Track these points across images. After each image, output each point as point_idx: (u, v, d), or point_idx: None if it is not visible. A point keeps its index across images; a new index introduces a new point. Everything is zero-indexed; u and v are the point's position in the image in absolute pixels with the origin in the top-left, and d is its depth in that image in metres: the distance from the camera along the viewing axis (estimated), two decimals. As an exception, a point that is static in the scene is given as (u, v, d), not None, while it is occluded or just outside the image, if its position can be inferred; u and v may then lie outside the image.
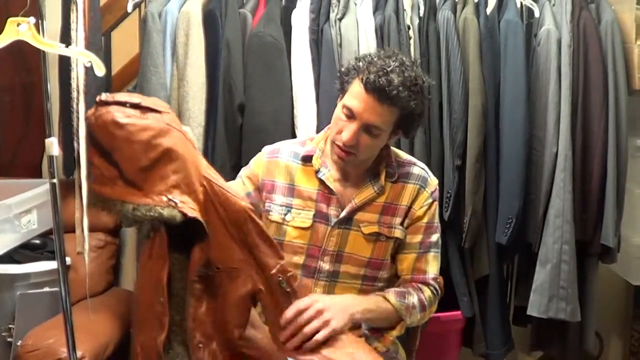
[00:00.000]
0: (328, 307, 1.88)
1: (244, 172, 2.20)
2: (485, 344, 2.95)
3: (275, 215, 2.11)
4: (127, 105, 1.64)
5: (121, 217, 1.66)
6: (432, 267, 2.19)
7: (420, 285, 2.15)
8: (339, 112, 2.00)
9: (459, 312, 2.85)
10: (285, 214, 2.10)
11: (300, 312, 1.82)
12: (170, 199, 1.63)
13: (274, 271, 1.79)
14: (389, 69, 1.91)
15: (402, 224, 2.13)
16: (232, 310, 1.79)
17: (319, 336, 1.82)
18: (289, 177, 2.12)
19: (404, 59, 1.97)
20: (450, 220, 2.76)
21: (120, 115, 1.62)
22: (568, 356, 3.03)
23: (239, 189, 2.11)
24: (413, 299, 2.09)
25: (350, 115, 1.96)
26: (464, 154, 2.76)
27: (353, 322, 1.95)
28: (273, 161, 2.15)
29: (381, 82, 1.89)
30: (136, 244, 3.20)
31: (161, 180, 1.64)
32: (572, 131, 2.77)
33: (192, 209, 1.66)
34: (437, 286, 2.19)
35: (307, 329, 1.82)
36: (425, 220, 2.15)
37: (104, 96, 1.65)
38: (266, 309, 1.84)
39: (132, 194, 1.63)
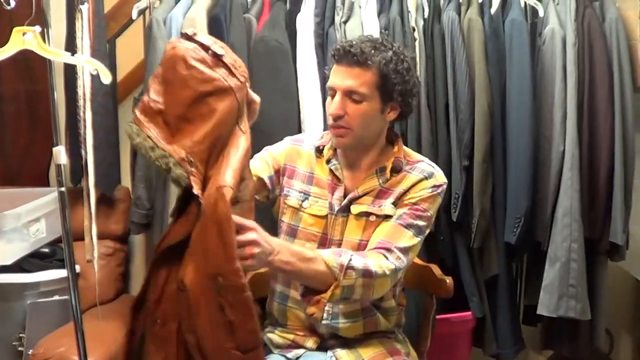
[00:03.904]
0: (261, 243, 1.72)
1: (266, 152, 2.17)
2: (495, 343, 2.94)
3: (292, 201, 2.12)
4: (209, 51, 1.60)
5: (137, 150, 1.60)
6: (404, 242, 1.99)
7: (379, 251, 1.97)
8: (328, 100, 2.04)
9: (469, 313, 2.85)
10: (303, 201, 2.11)
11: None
12: (188, 159, 1.57)
13: (219, 279, 1.58)
14: (358, 40, 2.00)
15: (393, 204, 2.05)
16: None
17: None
18: (309, 166, 2.14)
19: (383, 40, 2.02)
20: (458, 221, 2.76)
21: (193, 55, 1.58)
22: (579, 354, 3.03)
23: (261, 164, 2.11)
24: (352, 261, 1.89)
25: (333, 93, 2.00)
26: (471, 154, 2.76)
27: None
28: (296, 148, 2.18)
29: (345, 46, 1.96)
30: (145, 250, 3.21)
31: (190, 136, 1.59)
32: (579, 129, 2.77)
33: (198, 183, 1.57)
34: (402, 256, 1.97)
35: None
36: (413, 200, 2.03)
37: (191, 31, 1.62)
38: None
39: (160, 134, 1.59)
